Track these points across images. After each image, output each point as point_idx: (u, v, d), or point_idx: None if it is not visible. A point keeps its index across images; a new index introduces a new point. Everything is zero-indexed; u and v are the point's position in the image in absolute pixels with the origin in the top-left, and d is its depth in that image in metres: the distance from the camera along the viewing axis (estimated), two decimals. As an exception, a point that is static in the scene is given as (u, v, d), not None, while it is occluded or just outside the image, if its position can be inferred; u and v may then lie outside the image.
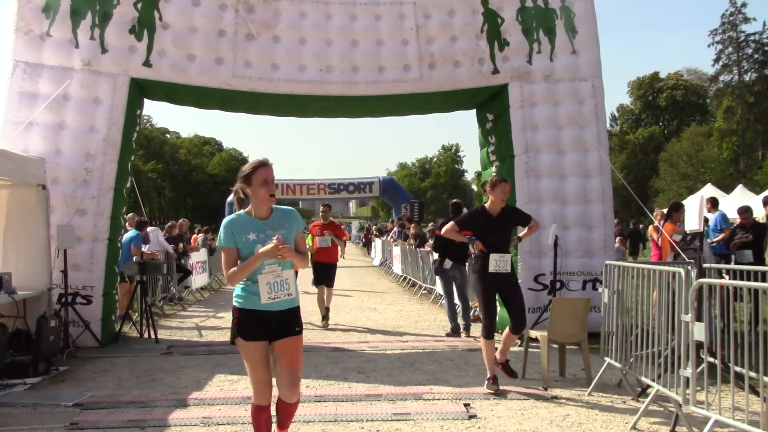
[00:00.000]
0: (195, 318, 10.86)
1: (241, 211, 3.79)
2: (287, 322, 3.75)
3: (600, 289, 6.43)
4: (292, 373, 3.71)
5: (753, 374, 4.52)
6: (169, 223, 14.76)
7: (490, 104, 9.02)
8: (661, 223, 9.13)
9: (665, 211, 9.64)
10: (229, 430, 4.85)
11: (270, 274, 3.67)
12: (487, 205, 5.91)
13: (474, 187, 78.81)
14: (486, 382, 5.79)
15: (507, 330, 5.92)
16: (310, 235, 9.76)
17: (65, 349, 7.27)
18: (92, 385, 6.19)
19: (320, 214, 10.26)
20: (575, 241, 8.32)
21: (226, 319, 10.80)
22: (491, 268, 5.76)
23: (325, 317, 9.71)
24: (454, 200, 9.79)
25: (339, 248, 10.17)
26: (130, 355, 7.66)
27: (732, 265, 6.06)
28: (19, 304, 6.87)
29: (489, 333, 5.79)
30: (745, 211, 9.47)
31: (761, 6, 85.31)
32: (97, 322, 7.89)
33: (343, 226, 11.46)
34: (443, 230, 6.11)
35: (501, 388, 5.79)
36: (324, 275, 9.87)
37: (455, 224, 6.02)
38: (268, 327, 3.70)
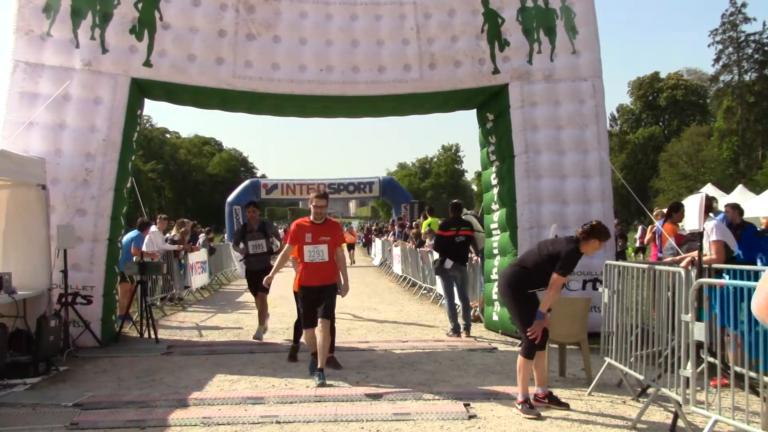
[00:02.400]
0: (195, 318, 10.86)
1: None
2: None
3: (600, 289, 6.44)
4: None
5: (753, 374, 4.52)
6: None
7: (490, 104, 9.03)
8: (661, 222, 9.12)
9: (665, 210, 9.62)
10: (229, 430, 4.85)
11: None
12: (583, 249, 5.33)
13: (474, 187, 78.78)
14: (521, 406, 5.23)
15: None
16: (289, 245, 6.39)
17: (65, 349, 7.28)
18: (92, 385, 6.19)
19: (311, 207, 6.33)
20: (575, 241, 8.31)
21: (226, 319, 10.82)
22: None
23: (323, 381, 6.09)
24: (455, 200, 9.78)
25: (344, 261, 6.58)
26: (130, 355, 7.66)
27: (732, 265, 6.05)
28: (19, 304, 6.87)
29: (531, 353, 5.30)
30: (734, 208, 9.44)
31: (761, 6, 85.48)
32: (97, 322, 7.89)
33: (345, 228, 7.49)
34: (556, 284, 5.24)
35: (503, 389, 5.76)
36: (316, 309, 6.18)
37: (563, 277, 5.27)
38: None
